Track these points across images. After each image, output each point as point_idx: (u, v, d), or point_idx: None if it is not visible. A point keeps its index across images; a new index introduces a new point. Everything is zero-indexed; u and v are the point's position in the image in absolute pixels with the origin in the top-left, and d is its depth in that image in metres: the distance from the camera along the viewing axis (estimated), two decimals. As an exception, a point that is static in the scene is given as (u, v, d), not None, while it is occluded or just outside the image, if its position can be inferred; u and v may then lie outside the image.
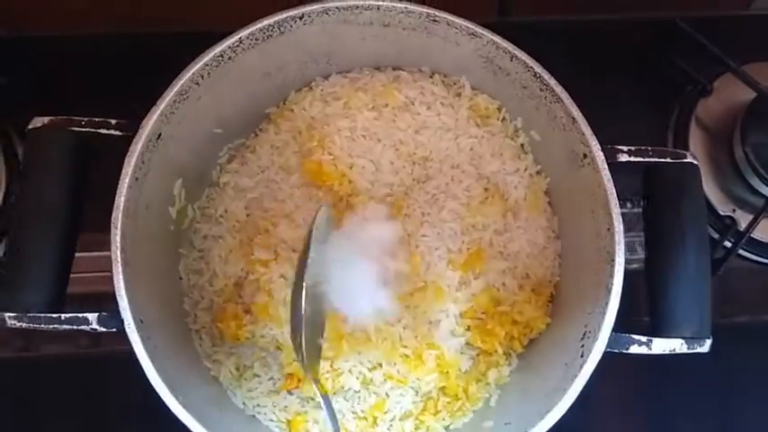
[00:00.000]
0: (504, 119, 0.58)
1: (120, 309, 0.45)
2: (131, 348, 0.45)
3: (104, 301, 0.46)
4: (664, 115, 0.71)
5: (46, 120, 0.48)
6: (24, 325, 0.45)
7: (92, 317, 0.45)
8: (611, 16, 0.74)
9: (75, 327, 0.45)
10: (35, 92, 0.69)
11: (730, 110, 0.69)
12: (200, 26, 0.65)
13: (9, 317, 0.45)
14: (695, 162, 0.50)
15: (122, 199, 0.46)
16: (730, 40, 0.68)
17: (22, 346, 0.64)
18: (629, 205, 0.61)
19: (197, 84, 0.50)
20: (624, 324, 0.47)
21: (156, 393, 0.44)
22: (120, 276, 0.45)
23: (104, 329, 0.45)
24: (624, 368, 0.56)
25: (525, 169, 0.58)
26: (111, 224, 0.46)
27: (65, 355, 0.63)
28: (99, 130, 0.48)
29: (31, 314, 0.45)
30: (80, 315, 0.45)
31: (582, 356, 0.47)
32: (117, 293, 0.45)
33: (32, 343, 0.64)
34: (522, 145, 0.58)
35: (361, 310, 0.51)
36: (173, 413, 0.44)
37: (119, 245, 0.45)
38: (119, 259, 0.45)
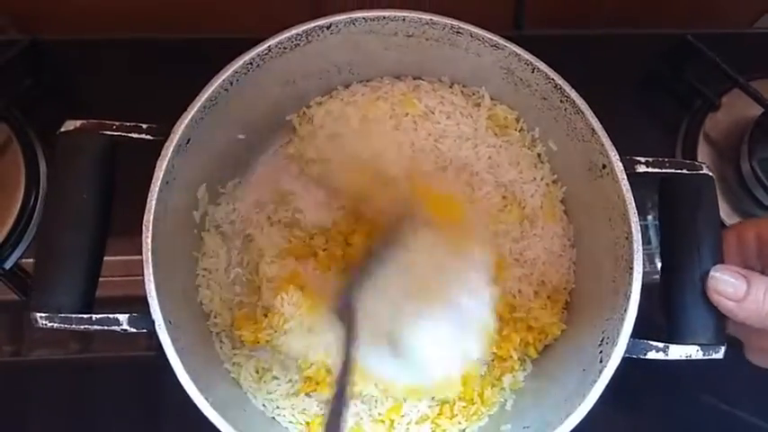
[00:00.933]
0: (521, 129, 0.59)
1: (152, 310, 0.45)
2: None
3: (128, 304, 0.47)
4: (672, 129, 0.73)
5: (78, 123, 0.48)
6: (56, 325, 0.45)
7: (122, 318, 0.46)
8: (622, 31, 0.76)
9: (105, 327, 0.46)
10: (57, 95, 0.70)
11: (738, 125, 0.70)
12: (221, 32, 0.69)
13: (41, 317, 0.45)
14: (710, 174, 0.52)
15: (153, 202, 0.47)
16: (738, 57, 0.70)
17: (12, 351, 0.65)
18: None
19: (226, 90, 0.51)
20: (636, 330, 0.48)
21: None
22: (152, 278, 0.46)
23: (135, 330, 0.46)
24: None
25: (542, 178, 0.59)
26: (143, 226, 0.46)
27: (54, 360, 0.64)
28: (130, 135, 0.49)
29: (63, 314, 0.45)
30: (111, 316, 0.46)
31: (601, 362, 0.48)
32: (148, 294, 0.45)
33: (23, 347, 0.65)
34: (539, 155, 0.59)
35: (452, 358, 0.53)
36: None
37: (149, 247, 0.46)
38: (149, 261, 0.46)
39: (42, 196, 0.65)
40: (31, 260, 0.64)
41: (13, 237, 0.64)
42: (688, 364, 0.49)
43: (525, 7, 0.72)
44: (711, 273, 0.49)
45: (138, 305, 0.46)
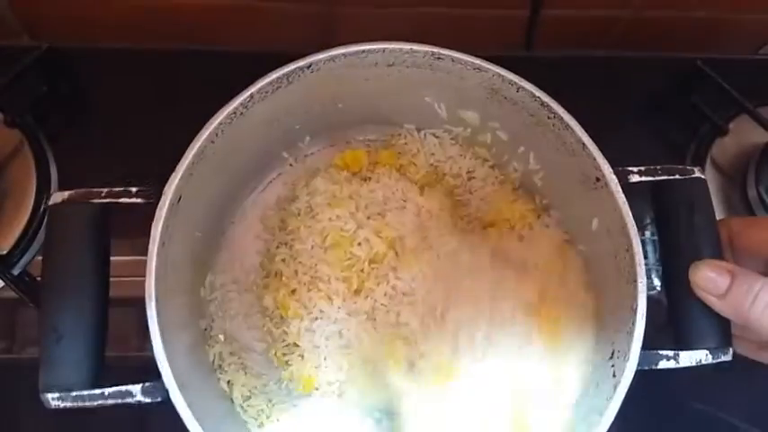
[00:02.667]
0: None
1: (164, 379, 0.45)
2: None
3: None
4: (680, 154, 0.74)
5: (65, 195, 0.47)
6: (69, 405, 0.45)
7: (135, 389, 0.45)
8: (631, 54, 0.77)
9: (120, 401, 0.45)
10: (69, 102, 0.72)
11: (745, 150, 0.71)
12: (237, 45, 0.72)
13: (53, 398, 0.45)
14: (703, 176, 0.52)
15: (153, 266, 0.46)
16: (747, 83, 0.71)
17: (4, 348, 0.65)
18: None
19: (212, 142, 0.50)
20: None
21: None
22: (161, 346, 0.45)
23: (150, 400, 0.45)
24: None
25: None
26: (146, 293, 0.46)
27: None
28: (120, 200, 0.48)
29: (74, 393, 0.45)
30: (123, 389, 0.45)
31: (614, 376, 0.48)
32: (159, 363, 0.45)
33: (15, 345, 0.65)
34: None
35: None
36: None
37: (155, 315, 0.45)
38: (156, 327, 0.45)
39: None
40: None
41: (23, 242, 0.64)
42: (677, 370, 0.49)
43: (536, 29, 0.71)
44: (691, 267, 0.49)
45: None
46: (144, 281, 0.46)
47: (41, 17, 0.71)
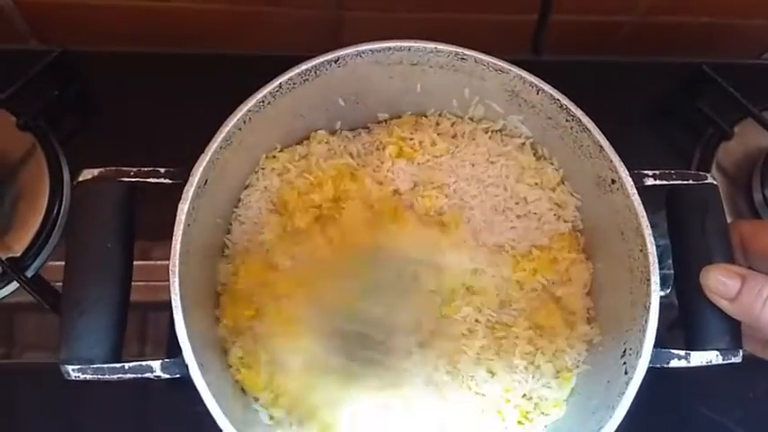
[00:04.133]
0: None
1: (184, 354, 0.45)
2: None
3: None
4: (686, 158, 0.75)
5: (95, 172, 0.49)
6: (89, 377, 0.45)
7: (155, 364, 0.46)
8: (637, 59, 0.79)
9: (139, 375, 0.46)
10: (81, 105, 0.73)
11: (750, 154, 0.73)
12: (246, 49, 0.73)
13: (73, 369, 0.45)
14: (715, 182, 0.53)
15: (178, 246, 0.47)
16: (752, 87, 0.73)
17: (3, 354, 0.65)
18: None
19: (239, 129, 0.51)
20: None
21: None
22: (182, 323, 0.46)
23: (168, 376, 0.46)
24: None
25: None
26: (170, 271, 0.46)
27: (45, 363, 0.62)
28: (148, 180, 0.49)
29: (95, 365, 0.45)
30: (143, 363, 0.46)
31: (626, 373, 0.49)
32: (180, 340, 0.45)
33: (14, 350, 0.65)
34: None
35: None
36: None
37: (178, 292, 0.46)
38: (179, 306, 0.46)
39: (66, 206, 0.66)
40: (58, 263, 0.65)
41: (36, 245, 0.65)
42: (684, 376, 0.50)
43: (543, 34, 0.73)
44: (703, 271, 0.50)
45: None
46: (144, 285, 0.47)
47: (49, 21, 0.72)
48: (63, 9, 0.70)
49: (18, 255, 0.64)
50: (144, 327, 0.65)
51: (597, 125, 0.53)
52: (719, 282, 0.49)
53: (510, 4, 0.72)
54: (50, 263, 0.66)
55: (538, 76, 0.53)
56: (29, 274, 0.64)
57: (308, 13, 0.72)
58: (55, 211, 0.66)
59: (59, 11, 0.71)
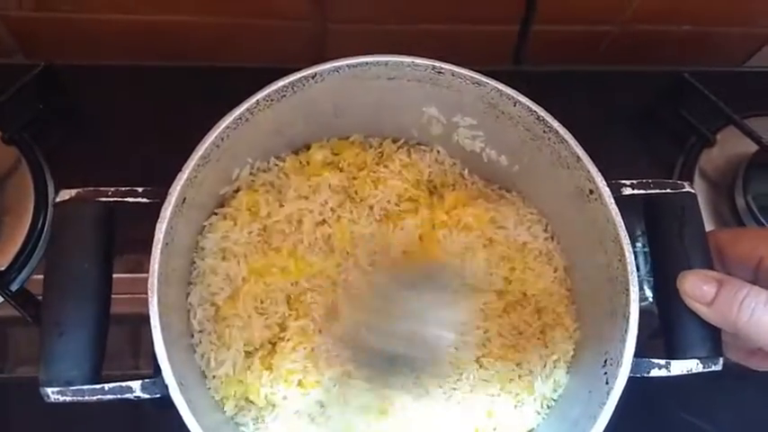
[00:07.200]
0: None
1: (164, 374, 0.45)
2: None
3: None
4: (668, 165, 0.76)
5: (73, 192, 0.48)
6: (68, 399, 0.45)
7: (135, 385, 0.46)
8: (619, 68, 0.80)
9: (119, 396, 0.46)
10: (66, 119, 0.73)
11: (733, 161, 0.73)
12: (231, 61, 0.74)
13: (53, 392, 0.45)
14: (693, 191, 0.54)
15: (156, 265, 0.47)
16: (733, 94, 0.74)
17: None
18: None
19: (217, 146, 0.51)
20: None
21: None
22: (161, 342, 0.45)
23: (148, 396, 0.46)
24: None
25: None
26: (148, 291, 0.46)
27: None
28: (126, 199, 0.49)
29: (74, 387, 0.45)
30: (123, 384, 0.46)
31: (607, 383, 0.49)
32: (159, 359, 0.45)
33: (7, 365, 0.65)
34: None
35: None
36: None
37: (157, 311, 0.46)
38: (158, 325, 0.46)
39: (50, 220, 0.66)
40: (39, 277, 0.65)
41: (20, 259, 0.65)
42: (666, 382, 0.50)
43: (525, 44, 0.74)
44: (680, 276, 0.50)
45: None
46: (136, 298, 0.47)
47: (35, 36, 0.73)
48: (49, 24, 0.71)
49: (3, 269, 0.64)
50: (137, 341, 0.65)
51: (580, 134, 0.53)
52: (696, 286, 0.49)
53: (493, 16, 0.73)
54: (35, 276, 0.66)
55: (521, 86, 0.54)
56: (13, 287, 0.64)
57: (295, 25, 0.73)
58: (40, 225, 0.66)
59: (45, 26, 0.71)
